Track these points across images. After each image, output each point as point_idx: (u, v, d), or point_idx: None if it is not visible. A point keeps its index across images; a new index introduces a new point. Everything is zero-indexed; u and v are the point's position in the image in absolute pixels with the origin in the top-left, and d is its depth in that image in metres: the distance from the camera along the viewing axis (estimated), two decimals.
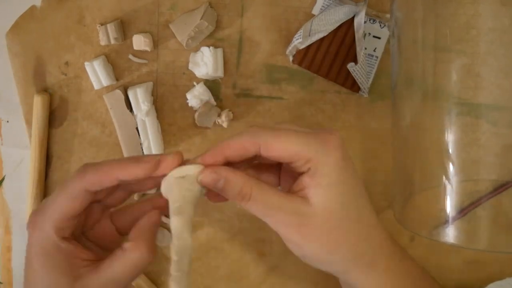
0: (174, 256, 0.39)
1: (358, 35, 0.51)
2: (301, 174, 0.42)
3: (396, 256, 0.46)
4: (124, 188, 0.44)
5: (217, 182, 0.41)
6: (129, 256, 0.40)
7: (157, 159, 0.41)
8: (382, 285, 0.45)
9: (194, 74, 0.54)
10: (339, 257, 0.43)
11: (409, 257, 0.48)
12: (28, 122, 0.55)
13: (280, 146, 0.41)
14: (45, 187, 0.55)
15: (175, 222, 0.39)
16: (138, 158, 0.41)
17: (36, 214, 0.42)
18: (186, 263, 0.39)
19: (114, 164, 0.41)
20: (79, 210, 0.41)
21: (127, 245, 0.40)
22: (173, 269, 0.38)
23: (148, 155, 0.43)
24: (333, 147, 0.42)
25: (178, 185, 0.41)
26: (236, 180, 0.41)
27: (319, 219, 0.41)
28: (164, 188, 0.41)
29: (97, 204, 0.44)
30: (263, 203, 0.41)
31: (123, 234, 0.44)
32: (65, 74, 0.55)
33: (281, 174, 0.45)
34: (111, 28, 0.53)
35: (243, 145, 0.41)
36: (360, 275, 0.44)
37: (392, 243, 0.46)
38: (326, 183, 0.41)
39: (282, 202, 0.41)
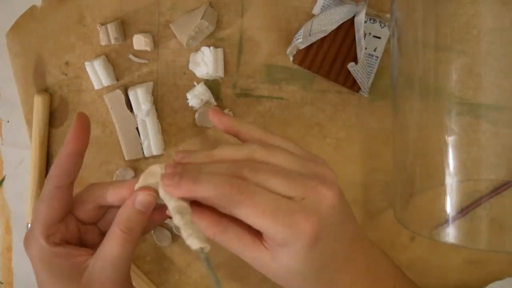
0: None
1: (359, 35, 0.51)
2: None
3: (370, 278, 0.45)
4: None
5: (147, 208, 0.41)
6: (114, 237, 0.41)
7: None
8: None
9: (195, 74, 0.54)
10: (317, 284, 0.43)
11: (389, 276, 0.47)
12: (29, 122, 0.55)
13: (249, 220, 0.39)
14: None
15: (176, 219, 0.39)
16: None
17: (26, 234, 0.44)
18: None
19: (119, 183, 0.44)
20: (58, 212, 0.43)
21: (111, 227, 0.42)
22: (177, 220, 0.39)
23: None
24: (305, 232, 0.39)
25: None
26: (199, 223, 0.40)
27: (280, 276, 0.42)
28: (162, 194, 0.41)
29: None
30: (230, 246, 0.42)
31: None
32: (66, 74, 0.55)
33: None
34: (111, 28, 0.53)
35: (214, 204, 0.41)
36: None
37: (372, 264, 0.46)
38: (289, 258, 0.40)
39: (246, 248, 0.42)
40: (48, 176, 0.43)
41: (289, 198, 0.39)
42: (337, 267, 0.43)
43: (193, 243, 0.37)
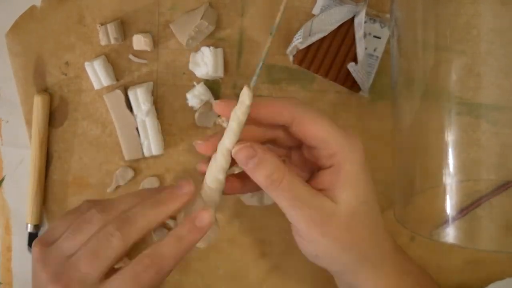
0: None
1: (358, 35, 0.51)
2: (320, 168, 0.42)
3: (399, 258, 0.46)
4: None
5: (250, 159, 0.40)
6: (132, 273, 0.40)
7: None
8: (386, 285, 0.45)
9: (194, 74, 0.54)
10: (351, 257, 0.43)
11: (409, 257, 0.48)
12: (28, 122, 0.55)
13: (313, 127, 0.41)
14: (45, 187, 0.55)
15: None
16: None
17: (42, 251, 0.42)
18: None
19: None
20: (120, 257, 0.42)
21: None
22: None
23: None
24: (358, 146, 0.42)
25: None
26: (271, 162, 0.40)
27: (342, 218, 0.41)
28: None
29: None
30: (292, 193, 0.40)
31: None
32: (65, 74, 0.55)
33: (296, 164, 0.45)
34: (111, 28, 0.53)
35: (280, 109, 0.41)
36: (365, 275, 0.45)
37: (395, 245, 0.47)
38: (351, 182, 0.41)
39: (310, 196, 0.41)
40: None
41: None
42: (379, 213, 0.44)
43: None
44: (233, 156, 0.40)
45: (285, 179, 0.40)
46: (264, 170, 0.40)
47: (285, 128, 0.42)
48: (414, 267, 0.48)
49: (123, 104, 0.54)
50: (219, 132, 0.42)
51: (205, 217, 0.41)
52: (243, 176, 0.44)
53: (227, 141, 0.40)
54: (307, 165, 0.44)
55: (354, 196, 0.41)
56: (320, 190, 0.42)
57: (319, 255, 0.43)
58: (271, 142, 0.44)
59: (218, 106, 0.42)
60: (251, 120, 0.41)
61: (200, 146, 0.42)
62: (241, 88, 0.54)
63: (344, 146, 0.41)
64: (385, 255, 0.45)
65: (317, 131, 0.41)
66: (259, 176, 0.40)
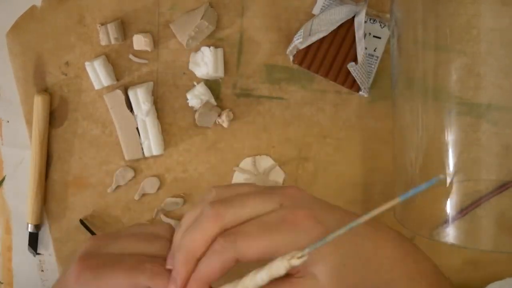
0: None
1: (359, 35, 0.51)
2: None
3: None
4: None
5: None
6: None
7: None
8: None
9: (195, 74, 0.54)
10: None
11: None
12: (29, 122, 0.55)
13: (255, 251, 0.38)
14: (45, 187, 0.55)
15: None
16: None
17: (85, 269, 0.42)
18: None
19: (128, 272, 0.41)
20: None
21: None
22: None
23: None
24: (305, 225, 0.39)
25: None
26: None
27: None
28: None
29: None
30: None
31: None
32: (66, 74, 0.55)
33: None
34: (111, 28, 0.53)
35: (220, 270, 0.39)
36: None
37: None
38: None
39: None
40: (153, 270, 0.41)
41: (270, 212, 0.39)
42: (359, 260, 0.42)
43: None
44: None
45: None
46: None
47: None
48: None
49: (123, 104, 0.54)
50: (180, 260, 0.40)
51: None
52: None
53: None
54: None
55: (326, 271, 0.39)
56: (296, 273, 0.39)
57: None
58: None
59: None
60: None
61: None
62: (241, 89, 0.55)
63: (293, 239, 0.38)
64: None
65: (260, 252, 0.38)
66: None
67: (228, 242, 0.38)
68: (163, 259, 0.42)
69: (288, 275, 0.38)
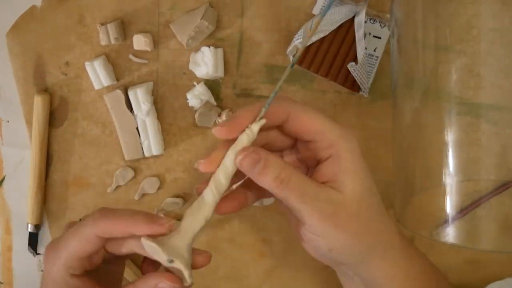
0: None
1: (359, 35, 0.51)
2: (319, 162, 0.42)
3: (404, 241, 0.46)
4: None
5: (257, 163, 0.40)
6: None
7: (170, 224, 0.40)
8: (394, 275, 0.45)
9: (195, 74, 0.54)
10: (365, 244, 0.43)
11: (415, 247, 0.48)
12: (29, 122, 0.55)
13: (308, 121, 0.41)
14: (45, 187, 0.55)
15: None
16: (152, 218, 0.40)
17: (50, 250, 0.43)
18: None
19: (127, 218, 0.40)
20: (89, 253, 0.41)
21: None
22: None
23: (161, 218, 0.41)
24: (353, 137, 0.43)
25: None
26: (276, 163, 0.40)
27: (350, 207, 0.41)
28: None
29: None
30: (301, 190, 0.40)
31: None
32: (66, 74, 0.55)
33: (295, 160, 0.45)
34: (111, 28, 0.53)
35: (276, 109, 0.41)
36: (378, 262, 0.44)
37: (400, 234, 0.46)
38: (353, 169, 0.41)
39: (317, 190, 0.41)
40: (99, 216, 0.41)
41: None
42: (377, 230, 0.44)
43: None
44: (237, 165, 0.40)
45: (292, 177, 0.40)
46: (271, 172, 0.40)
47: (278, 128, 0.43)
48: (417, 250, 0.48)
49: (123, 104, 0.54)
50: (219, 147, 0.41)
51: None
52: (243, 190, 0.44)
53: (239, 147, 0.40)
54: (301, 165, 0.45)
55: (358, 182, 0.42)
56: (323, 183, 0.42)
57: (333, 248, 0.43)
58: (263, 147, 0.43)
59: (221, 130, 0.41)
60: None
61: (203, 164, 0.41)
62: (241, 88, 0.55)
63: (340, 136, 0.42)
64: (393, 239, 0.45)
65: (313, 124, 0.41)
66: (267, 180, 0.40)
67: (296, 102, 0.42)
68: None
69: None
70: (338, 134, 0.42)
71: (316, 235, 0.42)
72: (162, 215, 0.54)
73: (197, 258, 0.41)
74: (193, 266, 0.41)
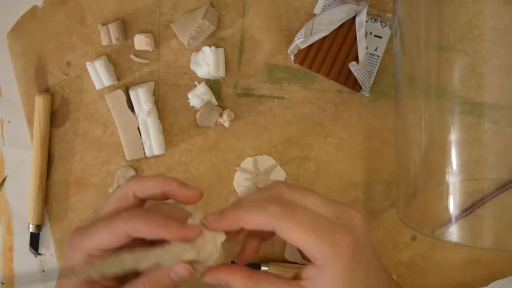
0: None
1: (360, 34, 0.51)
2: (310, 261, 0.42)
3: None
4: None
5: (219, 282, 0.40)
6: None
7: (199, 231, 0.41)
8: None
9: (196, 74, 0.54)
10: None
11: None
12: (30, 123, 0.55)
13: (292, 237, 0.40)
14: (46, 187, 0.55)
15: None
16: (183, 224, 0.41)
17: (75, 235, 0.42)
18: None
19: (160, 221, 0.41)
20: (114, 247, 0.42)
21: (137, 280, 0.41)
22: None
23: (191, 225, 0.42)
24: (344, 249, 0.40)
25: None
26: (236, 283, 0.40)
27: None
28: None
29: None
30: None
31: None
32: (67, 74, 0.55)
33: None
34: (112, 28, 0.53)
35: (259, 225, 0.40)
36: None
37: None
38: (331, 284, 0.40)
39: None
40: (130, 213, 0.41)
41: (325, 217, 0.40)
42: None
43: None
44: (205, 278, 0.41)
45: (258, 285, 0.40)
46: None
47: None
48: None
49: (125, 104, 0.54)
50: (233, 205, 0.41)
51: (179, 270, 0.40)
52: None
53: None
54: None
55: None
56: (306, 279, 0.41)
57: None
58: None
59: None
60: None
61: (213, 223, 0.41)
62: (242, 88, 0.55)
63: (326, 254, 0.40)
64: None
65: (297, 241, 0.40)
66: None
67: (282, 211, 0.39)
68: None
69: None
70: (323, 252, 0.40)
71: None
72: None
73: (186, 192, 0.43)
74: (183, 200, 0.43)
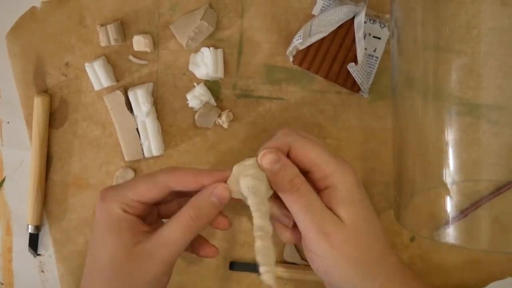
0: (257, 221, 0.42)
1: (358, 35, 0.51)
2: (318, 191, 0.45)
3: (404, 274, 0.47)
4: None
5: (275, 163, 0.43)
6: (180, 220, 0.44)
7: (227, 174, 0.45)
8: None
9: (194, 75, 0.54)
10: (359, 273, 0.45)
11: (414, 273, 0.49)
12: (29, 123, 0.55)
13: (305, 153, 0.44)
14: (45, 187, 0.55)
15: (251, 199, 0.43)
16: (212, 171, 0.46)
17: (109, 189, 0.46)
18: (268, 226, 0.42)
19: (195, 171, 0.46)
20: (152, 199, 0.45)
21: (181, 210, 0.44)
22: (256, 230, 0.41)
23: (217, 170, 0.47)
24: (349, 168, 0.45)
25: (242, 171, 0.44)
26: (292, 168, 0.44)
27: (348, 234, 0.44)
28: (230, 182, 0.45)
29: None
30: (307, 200, 0.44)
31: None
32: (66, 75, 0.55)
33: None
34: (111, 29, 0.53)
35: (277, 145, 0.44)
36: None
37: (400, 262, 0.48)
38: (348, 200, 0.44)
39: (321, 207, 0.44)
40: (174, 168, 0.46)
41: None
42: (382, 232, 0.47)
43: (269, 279, 0.39)
44: (258, 160, 0.44)
45: (303, 185, 0.44)
46: (286, 174, 0.44)
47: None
48: (420, 283, 0.48)
49: (123, 105, 0.54)
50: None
51: (218, 192, 0.44)
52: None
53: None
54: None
55: (352, 212, 0.44)
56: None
57: (327, 270, 0.45)
58: None
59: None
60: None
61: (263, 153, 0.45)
62: (241, 89, 0.55)
63: (335, 169, 0.44)
64: (391, 272, 0.46)
65: (308, 156, 0.44)
66: (282, 178, 0.44)
67: (291, 131, 0.46)
68: None
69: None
70: (332, 167, 0.44)
71: (313, 252, 0.45)
72: None
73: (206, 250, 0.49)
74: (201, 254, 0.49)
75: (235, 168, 0.45)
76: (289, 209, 0.45)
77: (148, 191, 0.45)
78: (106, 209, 0.45)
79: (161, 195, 0.45)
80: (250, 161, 0.45)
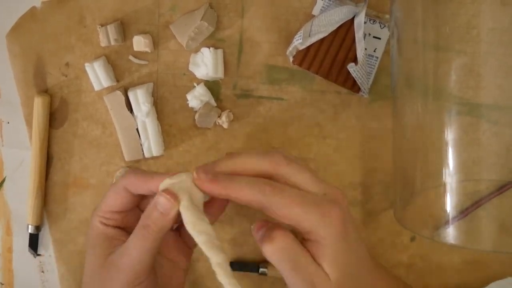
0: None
1: (358, 35, 0.51)
2: (303, 240, 0.43)
3: None
4: None
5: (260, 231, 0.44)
6: (136, 228, 0.44)
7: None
8: None
9: (194, 75, 0.54)
10: None
11: None
12: (29, 123, 0.55)
13: (281, 213, 0.42)
14: (45, 187, 0.55)
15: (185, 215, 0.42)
16: (165, 175, 0.44)
17: (95, 208, 0.48)
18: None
19: (147, 174, 0.45)
20: (120, 206, 0.46)
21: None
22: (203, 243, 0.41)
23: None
24: (333, 219, 0.42)
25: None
26: (283, 235, 0.43)
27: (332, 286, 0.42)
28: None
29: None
30: (293, 257, 0.42)
31: None
32: (66, 75, 0.55)
33: None
34: (111, 29, 0.53)
35: (248, 200, 0.42)
36: None
37: None
38: (332, 256, 0.42)
39: (309, 262, 0.42)
40: (128, 172, 0.46)
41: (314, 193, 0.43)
42: (370, 276, 0.46)
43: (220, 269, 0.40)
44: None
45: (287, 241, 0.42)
46: (276, 243, 0.42)
47: None
48: None
49: (123, 105, 0.54)
50: (226, 176, 0.43)
51: (161, 201, 0.43)
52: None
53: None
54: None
55: (337, 269, 0.42)
56: None
57: None
58: None
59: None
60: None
61: (203, 182, 0.43)
62: (241, 89, 0.55)
63: (317, 225, 0.42)
64: None
65: (286, 216, 0.42)
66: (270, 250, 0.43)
67: (272, 189, 0.42)
68: None
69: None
70: (314, 224, 0.42)
71: None
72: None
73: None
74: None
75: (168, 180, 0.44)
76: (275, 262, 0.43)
77: (115, 200, 0.46)
78: (91, 223, 0.47)
79: (127, 201, 0.46)
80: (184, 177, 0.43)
